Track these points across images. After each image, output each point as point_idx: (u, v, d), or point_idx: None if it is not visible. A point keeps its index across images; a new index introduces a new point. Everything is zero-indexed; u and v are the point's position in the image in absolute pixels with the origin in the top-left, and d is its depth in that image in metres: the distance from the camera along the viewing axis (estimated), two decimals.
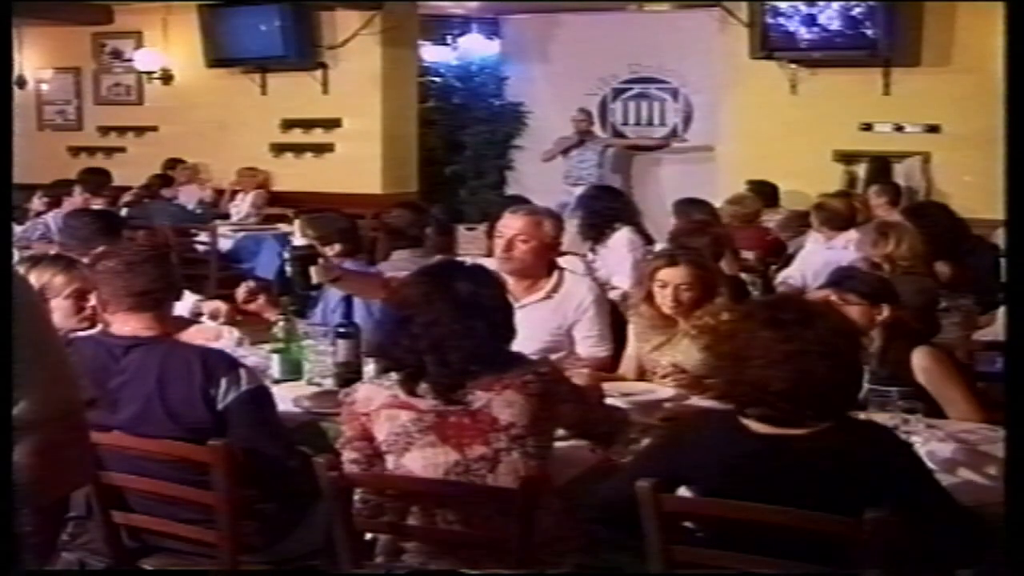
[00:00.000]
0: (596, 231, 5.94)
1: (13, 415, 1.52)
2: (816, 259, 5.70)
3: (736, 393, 2.35)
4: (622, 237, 5.85)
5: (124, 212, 7.64)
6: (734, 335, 2.39)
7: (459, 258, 4.07)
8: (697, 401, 3.35)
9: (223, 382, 2.80)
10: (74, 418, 1.63)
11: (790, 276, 5.75)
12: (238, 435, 2.77)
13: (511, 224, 3.85)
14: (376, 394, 2.60)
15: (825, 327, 2.33)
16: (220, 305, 4.14)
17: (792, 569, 2.30)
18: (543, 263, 3.91)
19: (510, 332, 2.65)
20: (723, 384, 2.40)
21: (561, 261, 4.17)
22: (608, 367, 3.84)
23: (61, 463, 1.60)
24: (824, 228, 5.98)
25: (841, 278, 3.53)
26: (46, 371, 1.58)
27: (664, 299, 3.67)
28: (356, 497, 2.63)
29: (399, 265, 5.20)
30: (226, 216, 9.01)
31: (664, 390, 3.53)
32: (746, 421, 2.35)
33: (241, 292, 4.25)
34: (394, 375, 2.60)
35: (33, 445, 1.54)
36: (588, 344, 3.88)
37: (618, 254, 5.71)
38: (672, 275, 3.67)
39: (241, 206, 9.15)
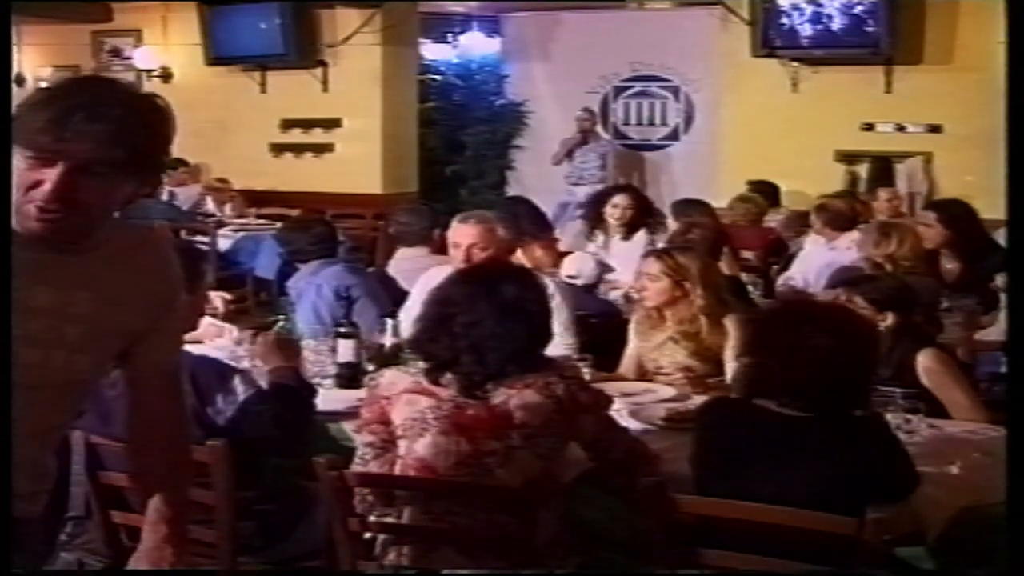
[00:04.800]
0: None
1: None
2: (818, 260, 5.70)
3: (782, 390, 2.45)
4: (639, 238, 5.86)
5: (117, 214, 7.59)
6: (774, 334, 2.55)
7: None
8: (698, 400, 3.35)
9: (218, 399, 2.77)
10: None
11: (791, 277, 5.74)
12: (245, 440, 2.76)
13: (466, 233, 3.86)
14: (400, 379, 2.64)
15: (858, 326, 2.62)
16: (220, 304, 4.12)
17: (792, 569, 2.31)
18: None
19: (548, 336, 2.69)
20: (764, 383, 2.49)
21: (568, 260, 4.19)
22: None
23: None
24: (826, 229, 5.97)
25: (855, 280, 3.53)
26: None
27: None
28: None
29: (403, 265, 5.20)
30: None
31: (664, 389, 3.53)
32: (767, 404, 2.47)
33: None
34: (422, 363, 2.63)
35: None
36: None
37: (632, 255, 5.71)
38: (641, 266, 3.82)
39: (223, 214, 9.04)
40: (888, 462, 2.43)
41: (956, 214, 5.35)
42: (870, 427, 2.49)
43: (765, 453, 2.42)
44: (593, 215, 6.15)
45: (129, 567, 2.00)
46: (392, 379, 2.66)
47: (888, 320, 3.31)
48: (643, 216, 6.00)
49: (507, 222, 4.02)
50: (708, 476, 2.50)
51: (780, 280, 5.77)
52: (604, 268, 5.33)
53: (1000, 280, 4.63)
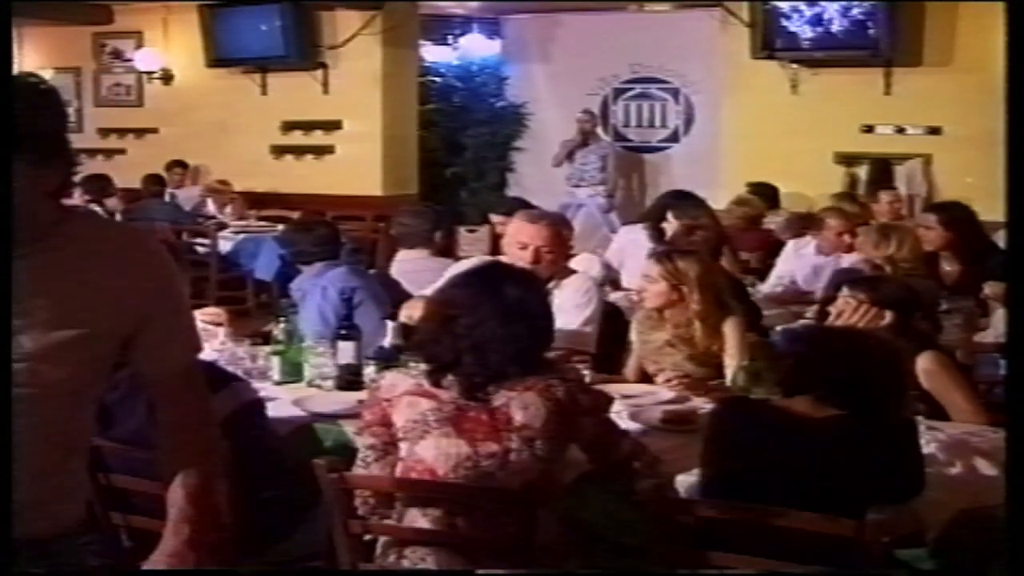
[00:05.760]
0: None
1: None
2: (808, 261, 5.74)
3: (836, 390, 2.51)
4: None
5: (119, 216, 7.61)
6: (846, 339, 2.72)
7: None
8: (698, 402, 3.36)
9: None
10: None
11: (781, 278, 5.77)
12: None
13: (536, 235, 3.85)
14: (401, 381, 2.63)
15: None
16: (220, 311, 4.12)
17: (792, 570, 2.31)
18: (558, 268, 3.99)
19: (549, 337, 2.69)
20: (822, 382, 2.53)
21: (573, 261, 4.21)
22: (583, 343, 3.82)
23: None
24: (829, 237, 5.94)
25: (858, 280, 3.55)
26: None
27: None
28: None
29: (404, 267, 5.22)
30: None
31: (664, 391, 3.53)
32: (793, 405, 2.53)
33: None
34: (423, 365, 2.62)
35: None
36: (569, 315, 3.79)
37: None
38: (642, 267, 3.86)
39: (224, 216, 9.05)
40: (912, 465, 2.46)
41: (957, 216, 5.36)
42: (904, 430, 2.51)
43: (784, 452, 2.42)
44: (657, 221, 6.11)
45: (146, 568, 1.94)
46: (393, 381, 2.65)
47: (887, 319, 3.32)
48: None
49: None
50: (721, 476, 2.49)
51: (771, 281, 5.76)
52: (609, 269, 5.34)
53: (989, 289, 4.66)
